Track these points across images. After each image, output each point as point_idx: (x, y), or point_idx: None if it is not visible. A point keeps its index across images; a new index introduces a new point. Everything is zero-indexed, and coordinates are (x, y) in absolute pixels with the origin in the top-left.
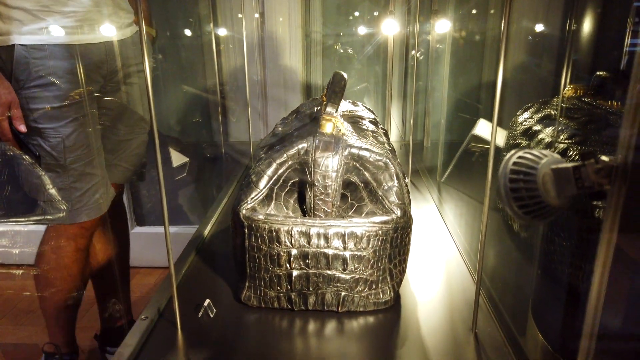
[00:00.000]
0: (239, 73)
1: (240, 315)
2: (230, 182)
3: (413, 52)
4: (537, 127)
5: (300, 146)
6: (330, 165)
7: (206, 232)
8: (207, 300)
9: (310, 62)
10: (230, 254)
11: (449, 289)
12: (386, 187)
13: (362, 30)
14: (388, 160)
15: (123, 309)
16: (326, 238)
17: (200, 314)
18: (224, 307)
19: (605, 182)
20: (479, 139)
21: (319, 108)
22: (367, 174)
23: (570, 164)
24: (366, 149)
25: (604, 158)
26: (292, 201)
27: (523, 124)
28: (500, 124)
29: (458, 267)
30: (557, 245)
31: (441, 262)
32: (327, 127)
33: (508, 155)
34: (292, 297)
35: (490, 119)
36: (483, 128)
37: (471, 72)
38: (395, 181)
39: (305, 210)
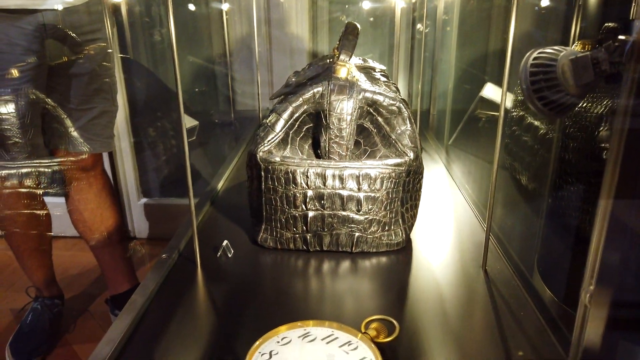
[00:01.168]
0: (245, 43)
1: (257, 256)
2: (240, 144)
3: (419, 26)
4: None
5: (315, 90)
6: (345, 108)
7: (219, 186)
8: (225, 241)
9: (317, 32)
10: (244, 204)
11: (459, 235)
12: (399, 131)
13: (366, 4)
14: (401, 105)
15: (127, 274)
16: (341, 179)
17: (218, 253)
18: (240, 249)
19: (621, 59)
20: (486, 101)
21: (331, 60)
22: (380, 119)
23: (588, 52)
24: (380, 94)
25: (621, 37)
26: (306, 146)
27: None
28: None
29: (467, 217)
30: (565, 191)
31: (451, 212)
32: (342, 72)
33: (527, 55)
34: (308, 238)
35: (496, 85)
36: (490, 90)
37: (478, 43)
38: (408, 125)
39: (320, 154)
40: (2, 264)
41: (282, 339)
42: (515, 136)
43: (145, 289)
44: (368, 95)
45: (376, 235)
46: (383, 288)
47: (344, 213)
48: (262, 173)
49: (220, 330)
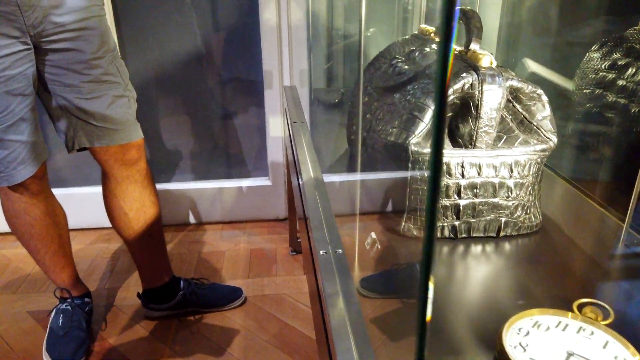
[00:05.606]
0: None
1: (403, 245)
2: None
3: None
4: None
5: (465, 80)
6: (495, 97)
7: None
8: (372, 234)
9: (334, 5)
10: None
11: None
12: (540, 117)
13: None
14: (542, 91)
15: (164, 268)
16: (495, 168)
17: (367, 245)
18: (379, 238)
19: None
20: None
21: (433, 46)
22: (518, 106)
23: None
24: (523, 81)
25: None
26: (444, 135)
27: (598, 72)
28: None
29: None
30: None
31: None
32: (485, 61)
33: None
34: (456, 225)
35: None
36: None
37: None
38: (548, 109)
39: (462, 143)
40: None
41: (519, 329)
42: (594, 113)
43: (311, 284)
44: (514, 83)
45: (520, 219)
46: (543, 269)
47: (494, 200)
48: (410, 164)
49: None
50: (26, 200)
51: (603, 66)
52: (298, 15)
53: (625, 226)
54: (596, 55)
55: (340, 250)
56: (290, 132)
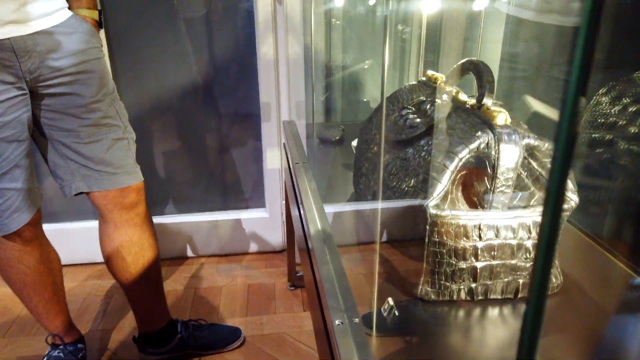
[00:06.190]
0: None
1: (422, 309)
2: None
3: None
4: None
5: (482, 139)
6: (512, 156)
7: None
8: (390, 299)
9: (331, 38)
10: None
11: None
12: None
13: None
14: None
15: (162, 311)
16: (513, 230)
17: (384, 312)
18: (397, 303)
19: None
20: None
21: (444, 97)
22: (534, 163)
23: None
24: (540, 138)
25: None
26: (459, 194)
27: (608, 117)
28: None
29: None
30: None
31: None
32: (500, 119)
33: None
34: (473, 288)
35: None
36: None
37: None
38: None
39: (477, 202)
40: None
41: None
42: (605, 159)
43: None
44: (531, 140)
45: None
46: (568, 336)
47: (512, 262)
48: (428, 227)
49: None
50: (19, 248)
51: (613, 111)
52: (296, 49)
53: None
54: (605, 99)
55: (357, 320)
56: (292, 172)
